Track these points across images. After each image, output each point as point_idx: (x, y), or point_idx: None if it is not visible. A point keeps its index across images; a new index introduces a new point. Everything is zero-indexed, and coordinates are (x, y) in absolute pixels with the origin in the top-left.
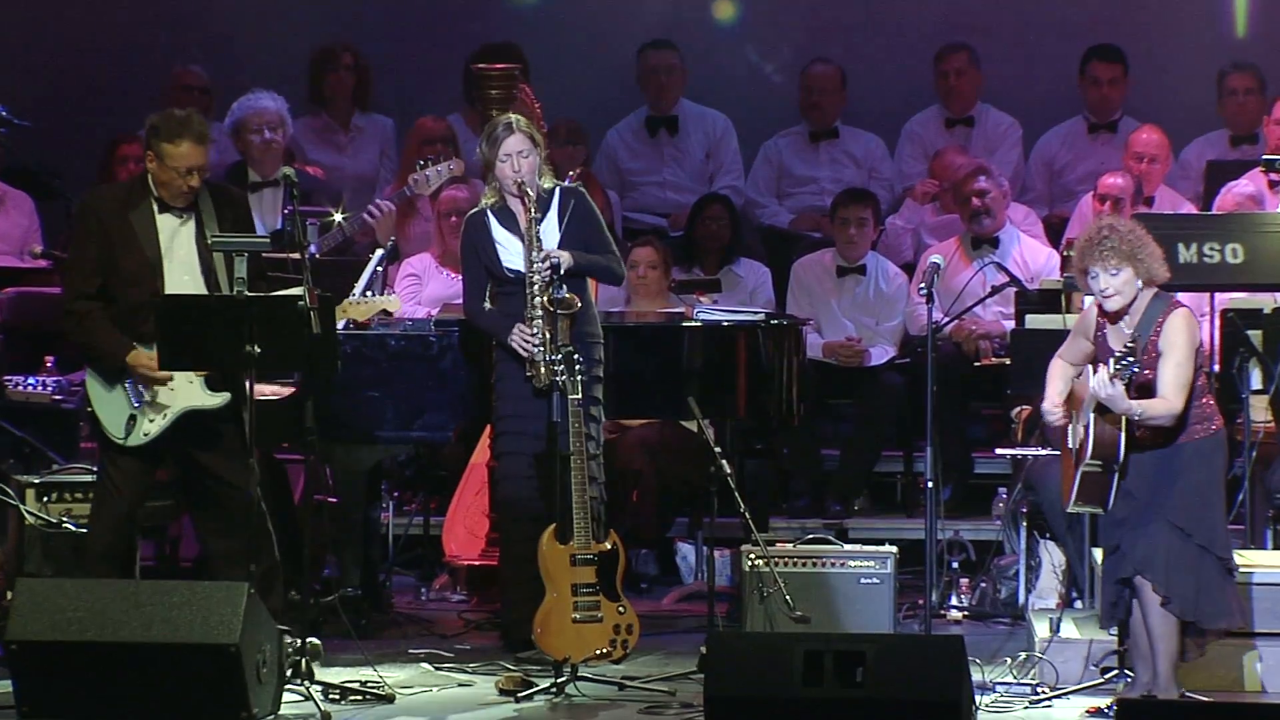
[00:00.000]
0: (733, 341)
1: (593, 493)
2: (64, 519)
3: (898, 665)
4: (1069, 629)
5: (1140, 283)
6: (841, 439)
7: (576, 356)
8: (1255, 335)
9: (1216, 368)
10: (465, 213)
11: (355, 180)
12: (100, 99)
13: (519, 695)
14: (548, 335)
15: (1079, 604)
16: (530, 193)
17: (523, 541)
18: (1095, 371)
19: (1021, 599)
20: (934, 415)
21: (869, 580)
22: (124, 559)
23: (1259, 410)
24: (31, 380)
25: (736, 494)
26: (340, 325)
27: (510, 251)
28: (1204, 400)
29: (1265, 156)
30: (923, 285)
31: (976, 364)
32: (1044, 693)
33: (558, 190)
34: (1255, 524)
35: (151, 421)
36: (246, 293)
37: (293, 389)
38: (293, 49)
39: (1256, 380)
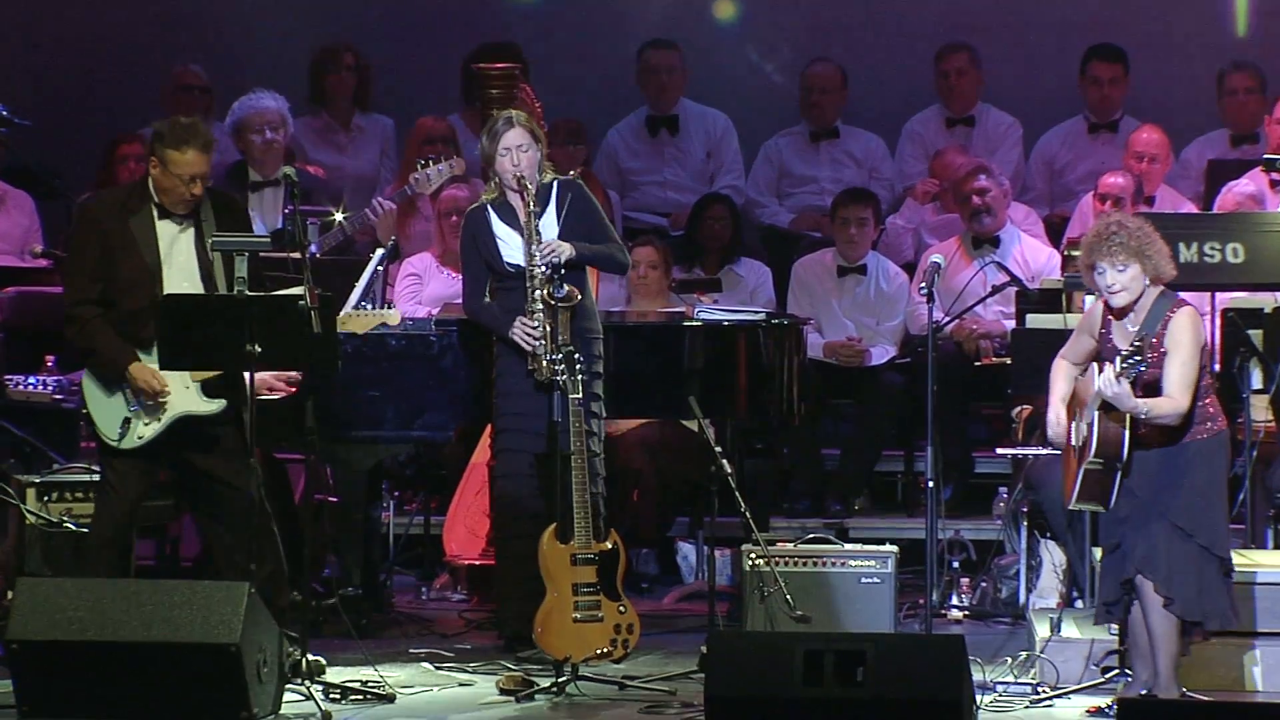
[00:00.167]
0: (733, 341)
1: (594, 488)
2: (64, 519)
3: (898, 665)
4: (1069, 628)
5: (1147, 280)
6: (842, 439)
7: (577, 356)
8: (1255, 335)
9: (1217, 367)
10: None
11: (356, 180)
12: (100, 99)
13: (519, 695)
14: (548, 329)
15: (1079, 603)
16: (530, 187)
17: (520, 540)
18: (1101, 370)
19: (1022, 598)
20: (934, 415)
21: (869, 580)
22: (122, 558)
23: (1259, 410)
24: (32, 380)
25: (737, 493)
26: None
27: (510, 246)
28: (1207, 400)
29: (1266, 156)
30: (923, 285)
31: (977, 364)
32: (1044, 692)
33: (556, 183)
34: (1255, 524)
35: (147, 425)
36: (247, 292)
37: (294, 389)
38: (293, 49)
39: (1257, 380)
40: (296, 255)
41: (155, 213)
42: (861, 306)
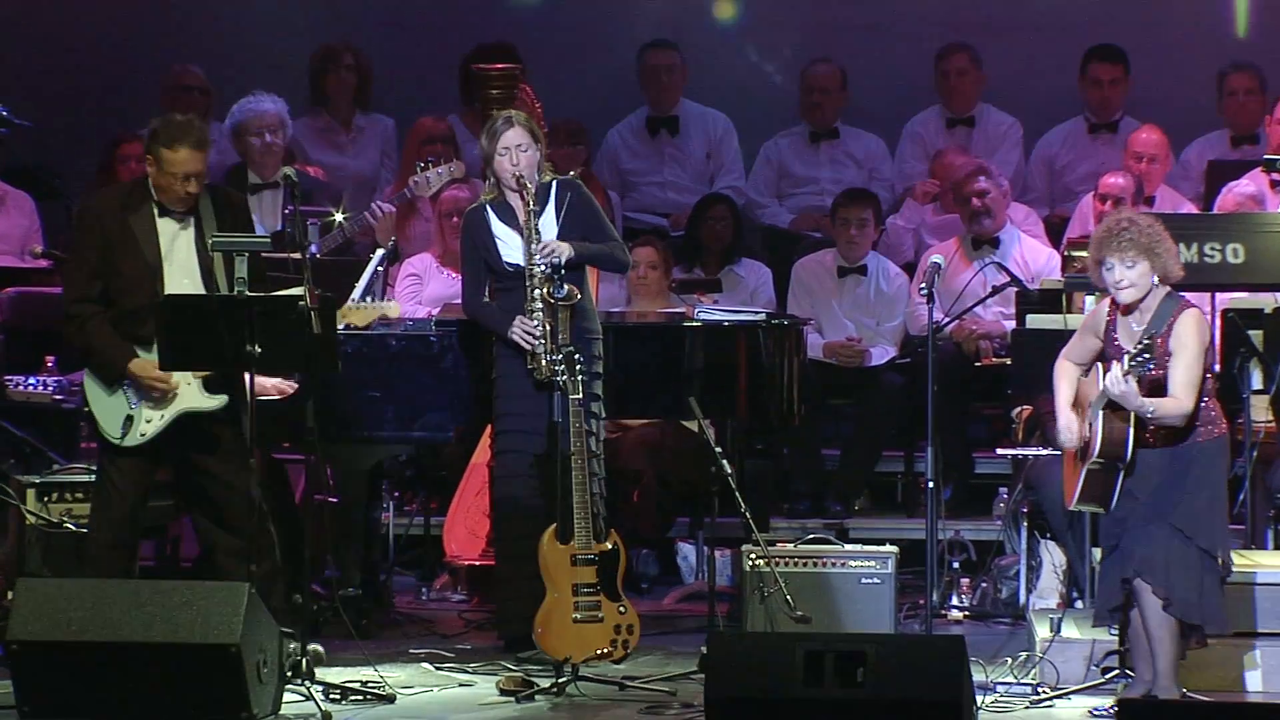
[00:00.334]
0: (733, 341)
1: (594, 489)
2: (64, 519)
3: (898, 665)
4: (1070, 629)
5: (1155, 278)
6: (842, 439)
7: (577, 356)
8: (1256, 335)
9: (1217, 367)
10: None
11: (356, 180)
12: (100, 99)
13: (520, 695)
14: (548, 329)
15: (1080, 604)
16: (529, 187)
17: (520, 540)
18: (1107, 369)
19: (1022, 599)
20: (934, 415)
21: (870, 580)
22: (125, 559)
23: (1259, 410)
24: (32, 380)
25: (737, 494)
26: (339, 328)
27: (509, 246)
28: (1209, 402)
29: (1266, 156)
30: (923, 285)
31: (977, 364)
32: (1045, 693)
33: (554, 183)
34: (1255, 524)
35: (149, 422)
36: (247, 293)
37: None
38: (293, 49)
39: (1257, 380)
40: (297, 256)
41: (155, 211)
42: (861, 307)
